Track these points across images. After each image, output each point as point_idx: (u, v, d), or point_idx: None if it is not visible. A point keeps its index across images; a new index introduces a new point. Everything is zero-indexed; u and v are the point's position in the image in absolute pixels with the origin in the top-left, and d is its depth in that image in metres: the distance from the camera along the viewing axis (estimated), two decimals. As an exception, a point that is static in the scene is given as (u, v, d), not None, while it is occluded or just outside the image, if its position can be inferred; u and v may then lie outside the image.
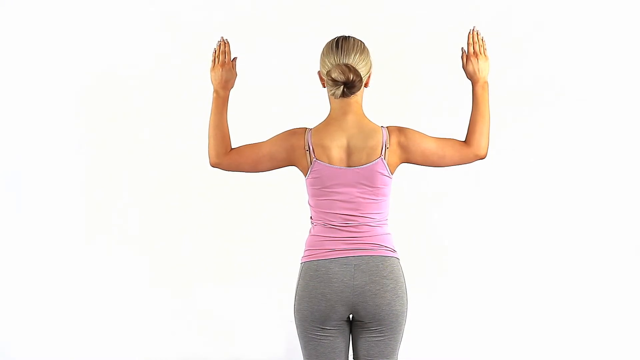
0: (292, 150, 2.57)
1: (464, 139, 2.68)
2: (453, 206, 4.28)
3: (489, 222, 4.28)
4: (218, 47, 2.72)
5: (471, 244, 4.27)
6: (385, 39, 4.16)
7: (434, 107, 4.21)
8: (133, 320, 4.28)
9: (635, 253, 4.26)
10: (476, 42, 2.72)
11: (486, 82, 2.71)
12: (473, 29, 2.74)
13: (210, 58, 2.72)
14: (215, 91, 2.70)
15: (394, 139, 2.56)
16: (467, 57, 2.72)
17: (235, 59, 2.74)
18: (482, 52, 2.72)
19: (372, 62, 2.60)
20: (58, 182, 4.27)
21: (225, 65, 2.70)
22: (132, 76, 4.25)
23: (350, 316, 2.62)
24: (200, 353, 4.27)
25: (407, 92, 4.22)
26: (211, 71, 2.71)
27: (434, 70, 4.20)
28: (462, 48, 2.75)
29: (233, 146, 2.68)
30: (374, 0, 4.25)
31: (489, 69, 2.72)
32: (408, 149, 2.57)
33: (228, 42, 2.73)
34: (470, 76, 2.73)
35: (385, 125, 2.59)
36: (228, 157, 2.66)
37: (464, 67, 2.74)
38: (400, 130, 2.58)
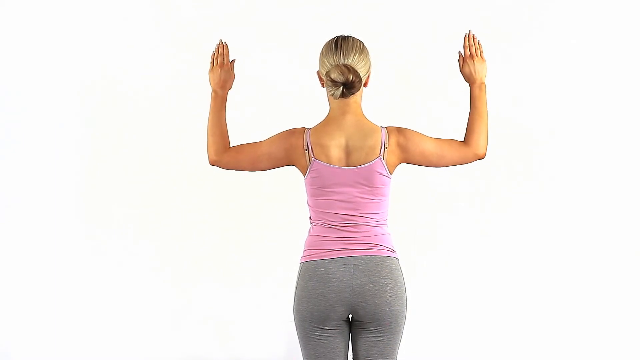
0: (290, 149, 2.57)
1: (462, 139, 2.68)
2: (453, 206, 4.28)
3: (489, 222, 4.28)
4: (217, 49, 2.75)
5: (471, 244, 4.27)
6: (385, 39, 4.16)
7: (434, 107, 4.21)
8: (133, 320, 4.28)
9: (634, 254, 4.26)
10: (472, 45, 2.74)
11: (483, 83, 2.72)
12: (469, 32, 2.75)
13: (209, 60, 2.75)
14: (214, 91, 2.73)
15: (393, 139, 2.55)
16: (464, 60, 2.75)
17: (233, 61, 2.78)
18: (478, 54, 2.73)
19: (372, 62, 2.60)
20: (58, 181, 4.27)
21: (224, 66, 2.73)
22: (132, 76, 4.24)
23: (350, 316, 2.62)
24: (200, 353, 4.27)
25: (407, 92, 4.22)
26: (210, 72, 2.75)
27: (434, 71, 4.19)
28: (459, 51, 2.76)
29: (232, 145, 2.69)
30: (374, 0, 4.24)
31: (485, 70, 2.73)
32: (407, 149, 2.57)
33: (227, 44, 2.76)
34: (467, 78, 2.74)
35: (384, 126, 2.59)
36: (227, 154, 2.66)
37: (461, 70, 2.76)
38: (400, 130, 2.58)
